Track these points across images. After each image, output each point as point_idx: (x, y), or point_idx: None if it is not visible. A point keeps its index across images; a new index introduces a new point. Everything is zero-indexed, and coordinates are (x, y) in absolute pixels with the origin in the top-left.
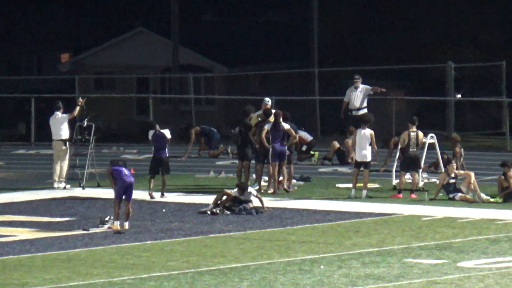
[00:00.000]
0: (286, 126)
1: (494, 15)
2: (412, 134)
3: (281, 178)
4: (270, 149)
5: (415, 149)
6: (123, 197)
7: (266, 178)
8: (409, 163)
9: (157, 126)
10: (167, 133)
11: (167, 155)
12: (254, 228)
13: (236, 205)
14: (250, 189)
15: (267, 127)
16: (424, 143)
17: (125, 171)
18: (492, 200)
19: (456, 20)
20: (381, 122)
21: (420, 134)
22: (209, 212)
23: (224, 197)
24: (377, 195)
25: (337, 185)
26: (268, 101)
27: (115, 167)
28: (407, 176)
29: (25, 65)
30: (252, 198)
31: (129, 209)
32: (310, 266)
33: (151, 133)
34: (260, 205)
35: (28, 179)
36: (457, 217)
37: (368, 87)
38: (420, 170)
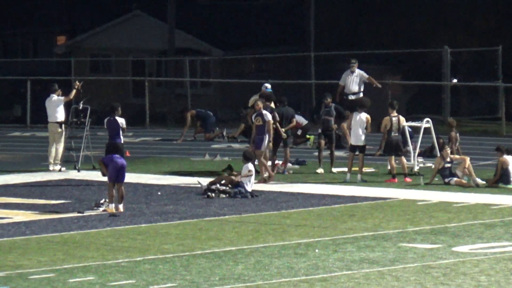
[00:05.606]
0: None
1: (489, 0)
2: (394, 119)
3: (277, 161)
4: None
5: (397, 134)
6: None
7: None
8: (391, 149)
9: (116, 112)
10: (121, 120)
11: (122, 141)
12: (249, 211)
13: (231, 188)
14: (251, 165)
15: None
16: (404, 127)
17: (116, 155)
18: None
19: (451, 5)
20: (376, 107)
21: (402, 118)
22: (209, 194)
23: (223, 181)
24: (373, 179)
25: (332, 169)
26: (268, 87)
27: (106, 156)
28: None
29: (21, 47)
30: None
31: (122, 191)
32: (305, 250)
33: (106, 119)
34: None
35: (23, 161)
36: (453, 201)
37: (365, 74)
38: (416, 154)
